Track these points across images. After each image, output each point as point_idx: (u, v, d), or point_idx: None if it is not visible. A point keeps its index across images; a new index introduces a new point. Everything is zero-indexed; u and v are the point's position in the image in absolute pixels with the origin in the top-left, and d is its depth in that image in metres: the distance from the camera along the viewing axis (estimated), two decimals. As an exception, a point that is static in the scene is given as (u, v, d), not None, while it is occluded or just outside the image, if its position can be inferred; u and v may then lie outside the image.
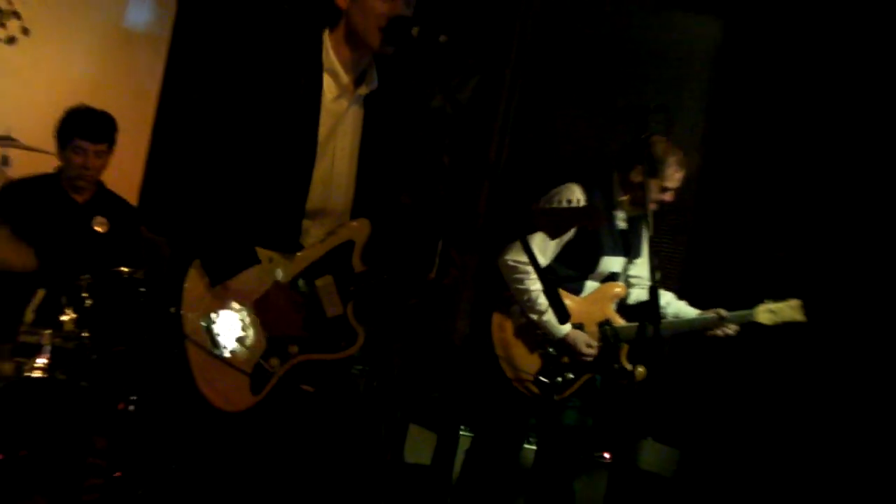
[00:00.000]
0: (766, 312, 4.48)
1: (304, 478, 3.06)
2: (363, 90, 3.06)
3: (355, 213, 3.09)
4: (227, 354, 2.93)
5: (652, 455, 5.43)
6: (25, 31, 3.83)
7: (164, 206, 3.00)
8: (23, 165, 5.13)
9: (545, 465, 4.46)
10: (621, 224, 4.45)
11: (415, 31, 2.90)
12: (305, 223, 3.02)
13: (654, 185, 4.29)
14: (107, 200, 4.73)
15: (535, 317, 4.28)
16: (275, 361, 2.97)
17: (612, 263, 4.43)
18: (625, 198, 4.40)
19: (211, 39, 5.91)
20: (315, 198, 3.00)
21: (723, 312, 4.45)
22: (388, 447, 4.18)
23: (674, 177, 4.37)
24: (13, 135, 5.18)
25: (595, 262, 4.37)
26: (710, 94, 6.06)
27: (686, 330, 4.52)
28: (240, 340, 2.95)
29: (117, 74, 6.11)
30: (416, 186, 3.37)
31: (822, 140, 5.71)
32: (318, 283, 3.02)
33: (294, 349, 2.99)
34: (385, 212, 3.13)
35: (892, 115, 5.52)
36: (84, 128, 4.55)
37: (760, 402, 5.65)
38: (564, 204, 4.17)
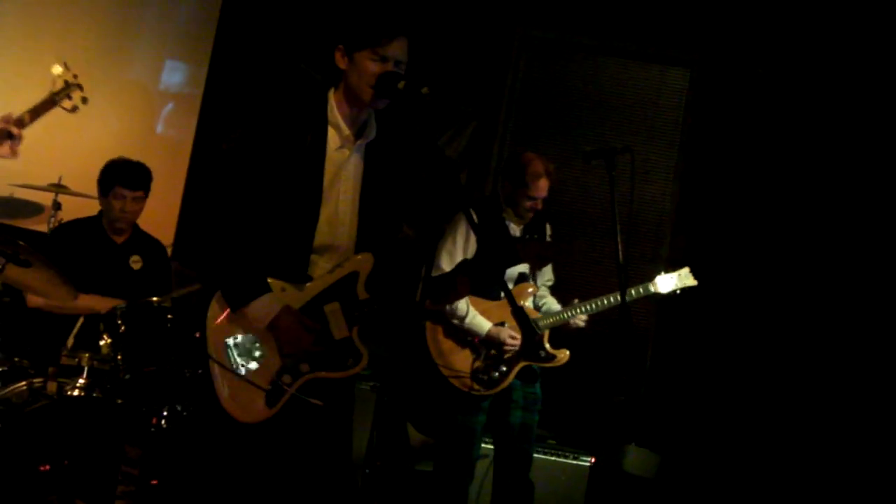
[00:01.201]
0: (663, 282, 4.43)
1: (309, 481, 3.05)
2: (362, 141, 3.09)
3: (359, 247, 3.11)
4: (245, 372, 2.96)
5: (635, 459, 5.37)
6: (85, 101, 3.88)
7: (194, 244, 3.03)
8: (71, 208, 5.21)
9: (503, 462, 4.41)
10: (515, 233, 4.43)
11: (401, 84, 2.92)
12: (314, 258, 3.05)
13: (521, 194, 4.32)
14: (141, 240, 4.75)
15: (457, 322, 4.27)
16: (288, 378, 2.99)
17: (518, 267, 4.41)
18: (508, 210, 4.39)
19: (238, 98, 5.97)
20: (322, 235, 3.04)
21: (576, 302, 4.41)
22: (380, 454, 4.14)
23: (536, 185, 4.31)
24: (64, 182, 5.27)
25: (504, 269, 4.28)
26: (681, 134, 6.08)
27: (558, 324, 4.42)
28: (257, 360, 2.98)
29: (155, 129, 6.16)
30: (418, 220, 3.39)
31: (783, 170, 5.81)
32: (327, 308, 3.04)
33: (305, 367, 3.01)
34: (386, 246, 3.15)
35: (846, 145, 5.56)
36: (124, 177, 4.57)
37: (739, 409, 5.61)
38: (464, 227, 4.26)
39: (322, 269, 3.06)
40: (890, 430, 5.24)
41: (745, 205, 5.87)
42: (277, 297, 2.97)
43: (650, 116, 6.14)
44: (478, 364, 4.28)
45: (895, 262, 5.45)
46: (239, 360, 2.96)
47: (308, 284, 3.03)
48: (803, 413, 5.48)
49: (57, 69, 3.86)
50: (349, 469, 3.13)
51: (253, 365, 2.97)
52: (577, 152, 5.51)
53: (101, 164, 4.68)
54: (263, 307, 2.95)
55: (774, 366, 5.57)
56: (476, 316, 4.28)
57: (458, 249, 4.26)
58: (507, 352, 4.30)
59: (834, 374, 5.43)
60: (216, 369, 2.95)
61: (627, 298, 4.30)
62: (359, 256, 3.09)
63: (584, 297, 4.47)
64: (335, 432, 3.11)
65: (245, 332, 2.98)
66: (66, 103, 3.86)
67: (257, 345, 2.99)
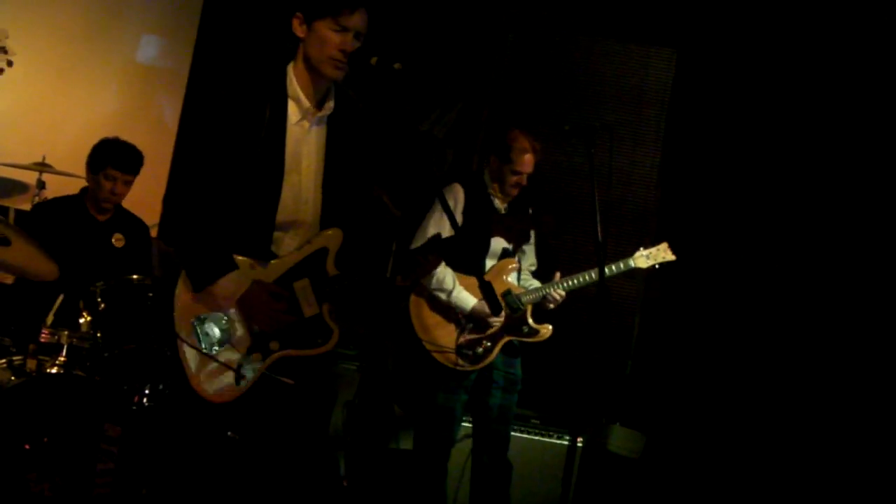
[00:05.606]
0: (642, 258, 4.39)
1: (280, 461, 3.03)
2: (323, 113, 3.04)
3: (324, 223, 3.08)
4: (214, 351, 2.94)
5: (620, 439, 5.37)
6: (10, 64, 3.73)
7: (170, 223, 3.02)
8: (56, 188, 5.18)
9: (481, 443, 4.42)
10: (500, 210, 4.44)
11: (373, 60, 2.88)
12: (278, 234, 3.01)
13: (506, 170, 4.34)
14: (124, 219, 4.74)
15: (443, 296, 4.27)
16: (257, 357, 2.97)
17: (500, 242, 4.42)
18: (494, 185, 4.41)
19: (226, 74, 5.90)
20: (285, 212, 3.00)
21: (557, 276, 4.37)
22: (359, 433, 4.14)
23: (521, 161, 4.33)
24: (48, 161, 5.23)
25: (487, 244, 4.35)
26: (667, 116, 6.06)
27: (540, 299, 4.37)
28: (225, 338, 2.96)
29: (138, 108, 6.07)
30: (401, 197, 3.35)
31: (765, 153, 5.78)
32: (296, 285, 3.01)
33: (275, 345, 2.99)
34: (354, 221, 3.12)
35: (832, 125, 5.54)
36: (117, 159, 4.55)
37: (725, 387, 5.61)
38: (450, 201, 4.25)
39: (287, 246, 3.04)
40: (879, 402, 5.24)
41: (730, 185, 5.85)
42: (245, 274, 2.95)
43: (636, 97, 6.10)
44: (462, 339, 4.29)
45: (882, 236, 5.44)
46: (207, 338, 2.95)
47: (277, 261, 3.01)
48: (789, 391, 5.48)
49: None
50: (322, 448, 3.11)
51: (221, 344, 2.95)
52: (558, 133, 5.48)
53: (85, 142, 4.67)
54: (231, 284, 2.92)
55: (761, 344, 5.57)
56: (461, 291, 4.29)
57: (429, 228, 4.24)
58: (490, 327, 4.31)
59: (820, 353, 5.42)
60: (184, 349, 2.93)
61: (607, 273, 4.30)
62: (328, 232, 3.06)
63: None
64: (308, 412, 3.09)
65: (213, 310, 2.96)
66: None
67: (225, 323, 2.97)
